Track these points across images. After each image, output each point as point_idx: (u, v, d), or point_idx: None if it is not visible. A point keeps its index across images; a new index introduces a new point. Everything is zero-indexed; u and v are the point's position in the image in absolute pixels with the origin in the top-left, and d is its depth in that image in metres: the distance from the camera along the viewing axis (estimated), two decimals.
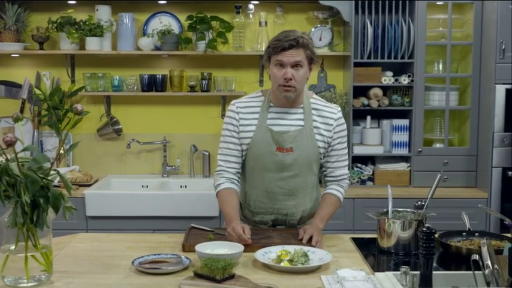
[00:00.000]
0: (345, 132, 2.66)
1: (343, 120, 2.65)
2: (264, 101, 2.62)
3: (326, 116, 2.61)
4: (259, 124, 2.58)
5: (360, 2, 3.98)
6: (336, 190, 2.66)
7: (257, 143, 2.57)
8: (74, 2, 4.21)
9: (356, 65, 4.02)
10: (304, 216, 2.67)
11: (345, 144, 2.66)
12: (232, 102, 2.66)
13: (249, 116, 2.60)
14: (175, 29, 4.21)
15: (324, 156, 2.64)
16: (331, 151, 2.63)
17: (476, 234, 2.45)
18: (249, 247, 2.28)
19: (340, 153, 2.64)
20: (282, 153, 2.55)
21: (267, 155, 2.56)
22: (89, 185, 3.97)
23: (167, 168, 4.31)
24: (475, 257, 1.88)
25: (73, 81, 4.25)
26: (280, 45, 2.47)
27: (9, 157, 1.84)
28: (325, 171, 2.69)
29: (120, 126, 4.35)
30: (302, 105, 2.60)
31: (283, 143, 2.54)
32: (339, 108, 2.65)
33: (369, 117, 4.13)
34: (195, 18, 4.10)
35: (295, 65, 2.48)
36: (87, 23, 4.05)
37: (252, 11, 4.23)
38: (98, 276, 2.07)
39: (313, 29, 4.17)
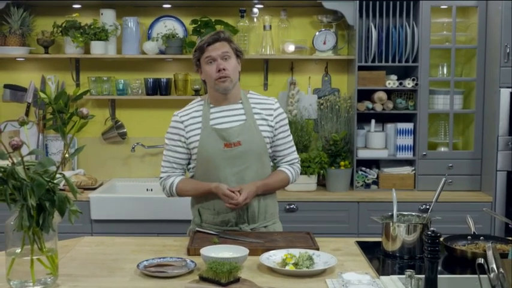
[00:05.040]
0: (286, 121, 2.79)
1: (281, 110, 2.78)
2: (204, 104, 2.72)
3: (266, 108, 2.73)
4: (203, 126, 2.67)
5: (364, 5, 3.99)
6: (286, 168, 2.78)
7: (205, 144, 2.65)
8: (79, 6, 4.23)
9: (360, 68, 4.02)
10: (262, 209, 2.71)
11: (289, 132, 2.80)
12: (175, 113, 2.76)
13: (192, 121, 2.70)
14: (180, 33, 4.23)
15: (271, 147, 2.74)
16: (276, 140, 2.74)
17: (481, 237, 2.44)
18: (253, 251, 2.28)
19: (285, 141, 2.77)
20: (230, 148, 2.64)
21: (217, 154, 2.64)
22: (94, 189, 3.98)
23: None
24: (480, 260, 1.87)
25: (78, 85, 4.27)
26: (205, 41, 2.63)
27: (15, 161, 1.85)
28: (275, 159, 2.80)
29: (125, 130, 4.36)
30: (241, 101, 2.72)
31: (229, 138, 2.64)
32: (276, 100, 2.79)
33: (373, 121, 4.12)
34: (199, 22, 4.11)
35: (224, 57, 2.61)
36: (92, 27, 4.06)
37: (257, 15, 4.24)
38: (103, 280, 2.07)
39: (317, 33, 4.18)
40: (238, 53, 2.68)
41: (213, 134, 2.64)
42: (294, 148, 2.82)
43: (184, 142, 2.69)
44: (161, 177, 2.76)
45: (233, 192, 2.56)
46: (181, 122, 2.70)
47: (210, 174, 2.65)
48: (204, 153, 2.65)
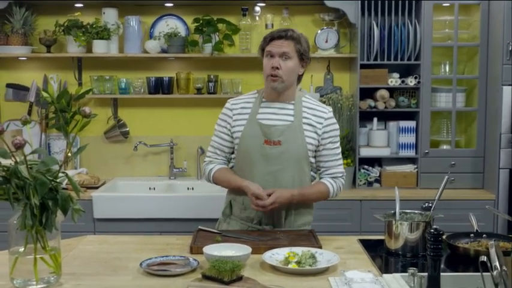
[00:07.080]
0: (337, 132, 2.69)
1: (334, 120, 2.69)
2: (257, 97, 2.70)
3: (317, 115, 2.65)
4: (250, 118, 2.65)
5: (366, 3, 3.98)
6: (328, 182, 2.70)
7: (246, 136, 2.63)
8: (81, 5, 4.23)
9: (362, 66, 4.02)
10: (291, 216, 2.68)
11: (338, 144, 2.70)
12: (229, 100, 2.76)
13: (242, 111, 2.68)
14: (182, 31, 4.23)
15: (315, 156, 2.67)
16: (322, 150, 2.67)
17: (484, 235, 2.44)
18: (256, 249, 2.29)
19: (332, 152, 2.68)
20: (270, 146, 2.60)
21: (255, 149, 2.61)
22: (96, 188, 3.99)
23: (174, 170, 4.32)
24: (483, 258, 1.87)
25: (80, 84, 4.27)
26: (270, 35, 2.60)
27: (18, 160, 1.85)
28: (319, 170, 2.73)
29: (127, 129, 4.36)
30: (293, 102, 2.66)
31: (270, 136, 2.60)
32: (331, 109, 2.71)
33: (375, 119, 4.12)
34: (201, 21, 4.12)
35: (283, 56, 2.56)
36: (94, 26, 4.07)
37: (259, 14, 4.23)
38: (106, 278, 2.08)
39: (319, 31, 4.18)
40: (303, 56, 2.60)
41: (256, 128, 2.62)
42: (341, 162, 2.72)
43: (230, 130, 2.68)
44: (204, 161, 2.78)
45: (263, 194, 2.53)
46: (231, 110, 2.69)
47: (246, 169, 2.64)
48: (243, 146, 2.64)
